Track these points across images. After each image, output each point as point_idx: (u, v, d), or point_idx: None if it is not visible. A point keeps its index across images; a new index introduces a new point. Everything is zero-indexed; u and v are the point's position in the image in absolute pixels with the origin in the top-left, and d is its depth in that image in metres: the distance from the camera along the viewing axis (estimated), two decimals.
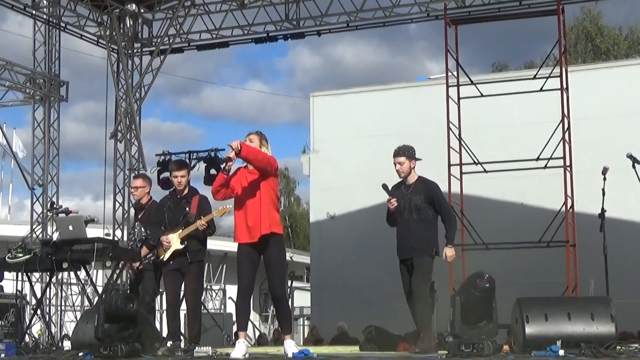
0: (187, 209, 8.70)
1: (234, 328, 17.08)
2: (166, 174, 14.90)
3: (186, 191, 8.85)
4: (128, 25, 16.49)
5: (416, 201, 8.21)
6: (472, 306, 6.96)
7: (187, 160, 15.84)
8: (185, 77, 76.71)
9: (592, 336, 6.78)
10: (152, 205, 9.67)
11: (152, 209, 9.40)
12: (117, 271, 10.57)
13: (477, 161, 12.11)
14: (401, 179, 8.40)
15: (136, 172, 15.65)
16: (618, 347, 6.69)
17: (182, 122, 72.91)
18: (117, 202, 16.22)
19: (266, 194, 7.35)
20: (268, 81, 72.23)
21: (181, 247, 8.62)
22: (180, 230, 8.62)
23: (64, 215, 9.98)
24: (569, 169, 11.54)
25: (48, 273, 10.50)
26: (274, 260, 7.42)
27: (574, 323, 6.90)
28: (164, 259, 8.70)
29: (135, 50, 16.79)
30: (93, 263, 9.32)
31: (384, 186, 8.40)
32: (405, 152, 8.34)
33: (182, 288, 8.90)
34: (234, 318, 17.21)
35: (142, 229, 9.53)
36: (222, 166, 7.37)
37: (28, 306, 11.19)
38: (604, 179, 9.52)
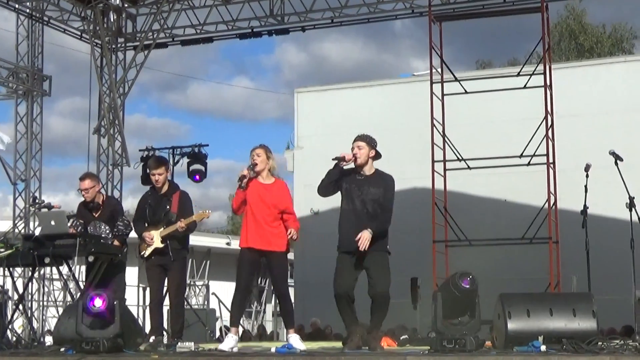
0: (168, 207, 8.67)
1: (217, 324, 17.12)
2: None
3: (166, 187, 8.80)
4: (112, 19, 16.41)
5: (374, 195, 7.79)
6: (453, 303, 6.98)
7: (171, 156, 15.82)
8: (172, 73, 76.54)
9: (574, 332, 6.84)
10: (112, 201, 9.85)
11: (118, 205, 9.60)
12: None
13: (460, 158, 12.13)
14: (354, 167, 7.94)
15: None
16: (599, 343, 6.73)
17: (167, 118, 72.86)
18: None
19: (277, 211, 7.98)
20: (254, 77, 72.24)
21: (162, 246, 8.60)
22: (162, 229, 8.60)
23: (46, 210, 9.91)
24: (552, 166, 11.58)
25: (30, 268, 10.44)
26: (276, 262, 7.95)
27: (555, 319, 6.96)
28: (145, 255, 8.68)
29: (119, 45, 16.72)
30: (75, 258, 9.27)
31: (335, 158, 8.15)
32: (367, 139, 8.08)
33: (166, 283, 8.88)
34: (217, 314, 17.33)
35: (104, 226, 9.36)
36: (239, 184, 7.87)
37: (10, 301, 11.14)
38: (587, 176, 9.57)
